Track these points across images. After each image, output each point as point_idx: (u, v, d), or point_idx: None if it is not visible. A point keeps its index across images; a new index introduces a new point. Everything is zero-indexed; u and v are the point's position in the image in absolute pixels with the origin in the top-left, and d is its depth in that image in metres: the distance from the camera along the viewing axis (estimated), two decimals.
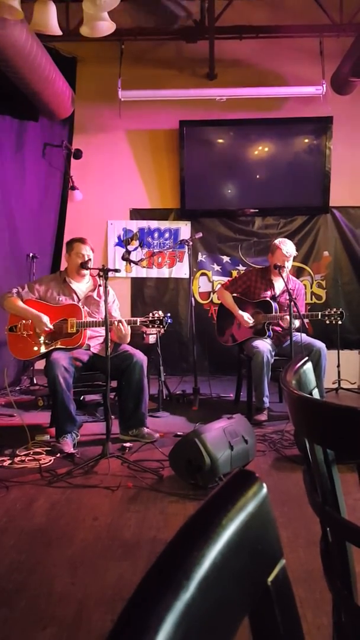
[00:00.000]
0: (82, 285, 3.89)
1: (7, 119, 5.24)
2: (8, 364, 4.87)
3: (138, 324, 3.67)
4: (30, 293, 3.77)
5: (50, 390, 3.50)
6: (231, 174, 6.03)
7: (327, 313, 4.18)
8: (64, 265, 5.81)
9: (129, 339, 3.70)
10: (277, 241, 4.34)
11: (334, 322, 4.19)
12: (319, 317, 4.18)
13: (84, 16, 3.45)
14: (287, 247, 4.25)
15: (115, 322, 3.60)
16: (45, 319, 3.63)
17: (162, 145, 6.09)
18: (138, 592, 0.35)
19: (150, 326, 3.69)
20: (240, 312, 4.31)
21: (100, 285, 3.75)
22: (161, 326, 3.66)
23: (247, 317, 4.28)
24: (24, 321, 3.69)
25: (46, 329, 3.62)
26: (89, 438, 3.70)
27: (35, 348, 3.68)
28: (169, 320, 3.67)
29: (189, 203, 5.95)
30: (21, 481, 2.93)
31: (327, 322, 4.19)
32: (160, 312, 3.68)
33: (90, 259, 3.83)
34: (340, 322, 4.23)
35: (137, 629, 0.32)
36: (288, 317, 3.92)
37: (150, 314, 3.68)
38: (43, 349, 3.66)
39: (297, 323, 3.97)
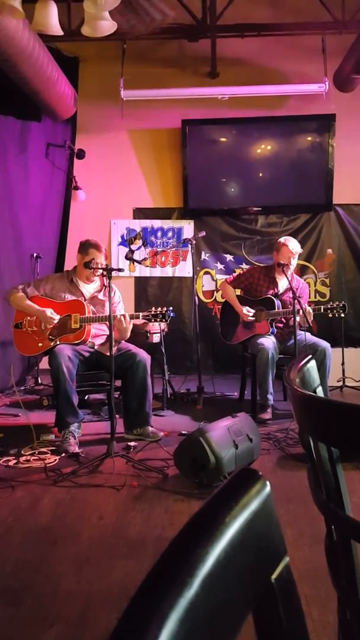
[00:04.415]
0: (89, 286, 3.89)
1: (10, 120, 5.25)
2: (13, 362, 4.88)
3: (140, 318, 3.67)
4: (35, 290, 3.79)
5: (53, 380, 3.50)
6: (234, 172, 6.03)
7: (329, 306, 4.17)
8: (67, 265, 5.86)
9: (128, 335, 3.70)
10: (282, 239, 4.33)
11: (336, 315, 4.17)
12: (322, 310, 4.17)
13: (85, 16, 3.44)
14: (293, 244, 4.25)
15: (118, 315, 3.60)
16: (50, 311, 3.65)
17: (164, 144, 6.09)
18: (142, 589, 0.35)
19: (153, 320, 3.69)
20: (241, 306, 4.32)
21: (106, 286, 3.74)
22: (164, 320, 3.66)
23: (246, 309, 4.28)
24: (28, 318, 3.73)
25: (53, 322, 3.64)
26: (93, 437, 3.70)
27: (40, 344, 3.71)
28: (172, 314, 3.67)
29: (192, 202, 5.95)
30: (26, 480, 2.94)
31: (330, 315, 4.18)
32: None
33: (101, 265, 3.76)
34: (343, 315, 4.21)
35: (141, 626, 0.32)
36: (295, 315, 3.91)
37: (153, 309, 3.68)
38: (47, 345, 3.67)
39: (298, 319, 3.95)
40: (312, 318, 4.11)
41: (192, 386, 4.89)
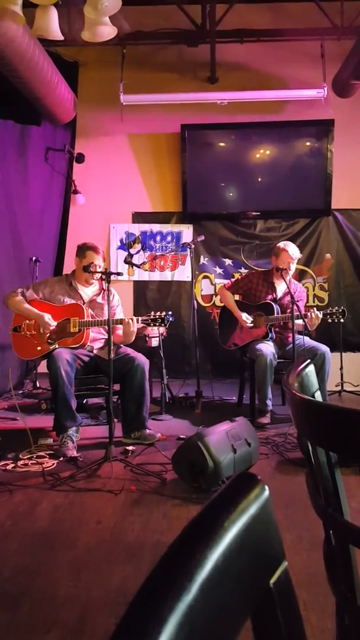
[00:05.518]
0: (88, 290, 3.89)
1: (10, 124, 5.26)
2: (12, 366, 4.87)
3: (139, 322, 3.67)
4: (34, 294, 3.80)
5: (51, 384, 3.50)
6: (233, 177, 6.04)
7: (329, 312, 4.16)
8: (66, 268, 5.87)
9: (132, 339, 3.70)
10: (281, 244, 4.33)
11: (336, 320, 4.16)
12: (321, 315, 4.17)
13: (86, 21, 3.46)
14: (292, 249, 4.25)
15: (126, 319, 3.60)
16: (48, 317, 3.65)
17: (164, 148, 6.11)
18: (140, 593, 0.35)
19: (152, 324, 3.69)
20: (240, 312, 4.32)
21: (104, 290, 3.75)
22: (163, 324, 3.66)
23: (245, 316, 4.28)
24: (27, 321, 3.72)
25: (50, 327, 3.64)
26: (91, 441, 3.70)
27: (39, 348, 3.71)
28: (171, 318, 3.67)
29: (190, 206, 5.96)
30: (24, 485, 2.93)
31: (330, 320, 4.17)
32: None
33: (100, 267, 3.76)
34: (342, 321, 4.21)
35: (140, 630, 0.32)
36: (293, 320, 3.90)
37: (152, 313, 3.68)
38: (46, 348, 3.67)
39: (300, 322, 3.95)
40: (319, 322, 4.08)
41: (190, 390, 4.89)
